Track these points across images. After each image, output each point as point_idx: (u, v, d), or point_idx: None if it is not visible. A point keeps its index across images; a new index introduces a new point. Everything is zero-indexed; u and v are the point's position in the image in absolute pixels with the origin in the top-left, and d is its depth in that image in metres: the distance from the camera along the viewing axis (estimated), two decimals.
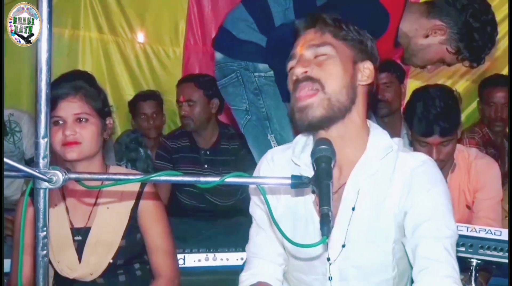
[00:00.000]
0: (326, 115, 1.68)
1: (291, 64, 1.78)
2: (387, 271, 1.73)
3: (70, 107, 2.10)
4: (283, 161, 1.86)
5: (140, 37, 4.68)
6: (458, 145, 2.90)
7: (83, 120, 2.11)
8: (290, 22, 2.21)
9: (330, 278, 1.75)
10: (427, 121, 2.64)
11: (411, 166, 1.72)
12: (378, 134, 1.79)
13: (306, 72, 1.70)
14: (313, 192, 1.75)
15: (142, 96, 4.33)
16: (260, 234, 1.90)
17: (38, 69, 1.22)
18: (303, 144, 1.85)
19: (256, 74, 2.61)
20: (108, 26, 4.59)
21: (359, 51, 1.76)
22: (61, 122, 2.10)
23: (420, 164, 1.73)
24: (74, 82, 2.13)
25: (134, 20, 4.63)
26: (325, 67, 1.70)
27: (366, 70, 1.76)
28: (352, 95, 1.72)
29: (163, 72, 4.70)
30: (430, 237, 1.61)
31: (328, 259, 1.75)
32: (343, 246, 1.73)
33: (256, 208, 1.91)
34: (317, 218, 1.75)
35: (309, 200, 1.79)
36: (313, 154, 1.47)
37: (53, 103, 2.03)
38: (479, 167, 2.81)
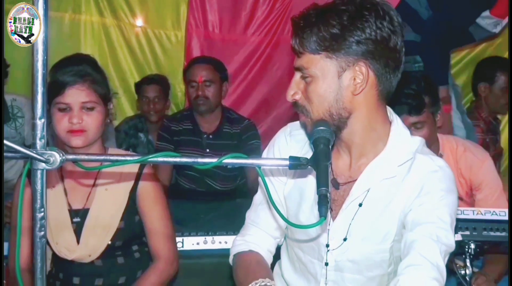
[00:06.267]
0: None
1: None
2: (382, 268, 1.73)
3: (78, 95, 2.09)
4: (301, 138, 1.84)
5: (142, 21, 4.68)
6: (446, 136, 2.85)
7: (90, 108, 2.11)
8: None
9: (326, 264, 1.76)
10: (397, 99, 2.54)
11: (427, 170, 1.67)
12: (398, 135, 1.71)
13: (295, 98, 1.66)
14: None
15: (147, 80, 4.39)
16: (264, 204, 1.90)
17: (34, 50, 1.21)
18: None
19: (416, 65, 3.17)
20: (110, 10, 4.59)
21: (345, 55, 1.58)
22: (66, 108, 2.09)
23: (437, 169, 1.67)
24: (81, 67, 2.13)
25: (136, 4, 4.62)
26: (309, 92, 1.63)
27: (359, 75, 1.60)
28: (342, 111, 1.63)
29: (165, 56, 4.71)
30: (430, 238, 1.57)
31: (327, 246, 1.75)
32: (345, 239, 1.72)
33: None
34: None
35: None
36: (311, 135, 1.47)
37: (59, 88, 2.04)
38: (470, 162, 2.71)
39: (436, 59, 3.14)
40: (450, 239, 1.60)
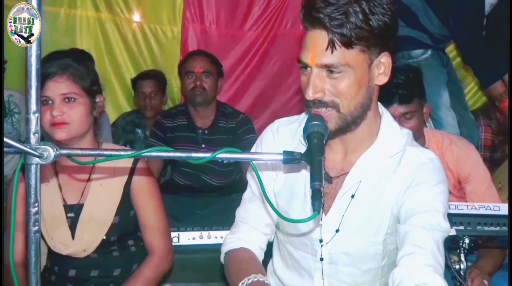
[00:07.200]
0: (340, 127, 1.63)
1: (303, 71, 1.62)
2: (376, 260, 1.73)
3: (57, 87, 2.07)
4: (288, 134, 1.83)
5: (138, 16, 4.66)
6: (431, 130, 2.85)
7: (71, 100, 2.09)
8: None
9: (321, 259, 1.76)
10: (388, 90, 2.59)
11: (417, 162, 1.69)
12: (389, 127, 1.73)
13: (318, 97, 1.58)
14: None
15: (143, 75, 4.40)
16: (253, 201, 1.89)
17: None
18: None
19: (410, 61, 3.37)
20: (105, 5, 4.57)
21: (374, 45, 1.57)
22: (49, 102, 2.08)
23: (427, 162, 1.69)
24: (62, 61, 2.10)
25: None
26: (339, 88, 1.57)
27: (382, 66, 1.62)
28: (368, 101, 1.64)
29: (161, 51, 4.69)
30: (421, 227, 1.58)
31: (321, 241, 1.75)
32: (337, 230, 1.73)
33: (255, 175, 1.84)
34: None
35: (308, 178, 1.77)
36: (305, 129, 1.47)
37: (41, 82, 2.03)
38: (456, 155, 2.72)
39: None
40: (444, 224, 1.62)
